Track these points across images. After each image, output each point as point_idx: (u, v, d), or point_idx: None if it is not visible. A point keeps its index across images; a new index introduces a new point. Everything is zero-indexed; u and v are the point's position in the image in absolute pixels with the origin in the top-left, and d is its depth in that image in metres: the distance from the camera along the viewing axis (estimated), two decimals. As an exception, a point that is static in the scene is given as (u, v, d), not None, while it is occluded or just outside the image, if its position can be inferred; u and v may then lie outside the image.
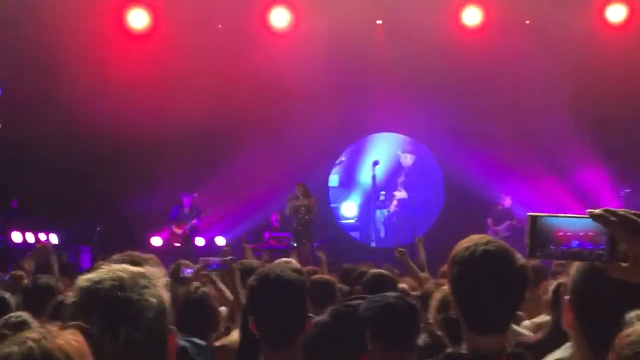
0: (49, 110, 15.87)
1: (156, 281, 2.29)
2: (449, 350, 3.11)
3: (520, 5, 15.71)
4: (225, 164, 16.23)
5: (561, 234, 1.84)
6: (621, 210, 1.76)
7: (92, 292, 2.21)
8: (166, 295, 2.29)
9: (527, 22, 16.18)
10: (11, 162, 16.10)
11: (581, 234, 1.83)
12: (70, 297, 2.29)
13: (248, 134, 16.56)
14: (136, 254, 3.46)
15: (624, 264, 1.77)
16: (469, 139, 16.73)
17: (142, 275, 2.27)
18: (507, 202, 16.60)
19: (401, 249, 7.70)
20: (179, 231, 16.00)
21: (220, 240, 16.55)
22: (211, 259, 6.55)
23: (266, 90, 16.33)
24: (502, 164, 16.56)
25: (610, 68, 15.38)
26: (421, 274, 7.53)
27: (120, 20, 16.43)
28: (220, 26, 16.52)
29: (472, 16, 16.36)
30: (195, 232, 16.25)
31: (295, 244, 15.49)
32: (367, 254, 15.24)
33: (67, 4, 15.18)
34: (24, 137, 15.77)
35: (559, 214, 1.87)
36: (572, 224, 1.85)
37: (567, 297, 2.13)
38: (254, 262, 7.26)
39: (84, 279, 2.26)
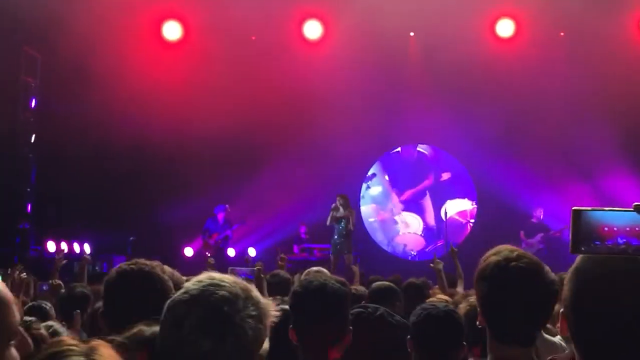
0: (85, 120, 16.05)
1: (265, 316, 2.20)
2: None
3: (555, 17, 15.61)
4: (257, 175, 16.30)
5: (606, 229, 1.79)
6: None
7: (204, 292, 2.16)
8: (266, 334, 2.21)
9: (562, 34, 16.08)
10: (49, 171, 16.27)
11: (627, 229, 1.77)
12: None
13: (280, 146, 16.60)
14: (142, 260, 3.47)
15: None
16: (502, 151, 16.65)
17: (256, 303, 2.19)
18: (540, 214, 16.50)
19: (437, 260, 7.69)
20: (211, 241, 16.05)
21: (251, 252, 16.60)
22: (239, 268, 6.62)
23: (298, 102, 16.36)
24: (535, 176, 16.47)
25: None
26: (457, 289, 7.51)
27: (156, 32, 16.56)
28: (253, 38, 16.58)
29: (505, 28, 16.31)
30: (227, 242, 16.29)
31: (331, 256, 15.41)
32: (401, 266, 15.25)
33: (104, 15, 15.30)
34: (61, 147, 15.93)
35: (604, 208, 1.82)
36: (618, 218, 1.80)
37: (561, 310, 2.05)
38: (282, 272, 7.30)
39: (208, 276, 2.22)
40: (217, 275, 2.22)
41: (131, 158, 16.38)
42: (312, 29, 16.61)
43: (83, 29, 15.02)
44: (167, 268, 3.57)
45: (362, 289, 6.23)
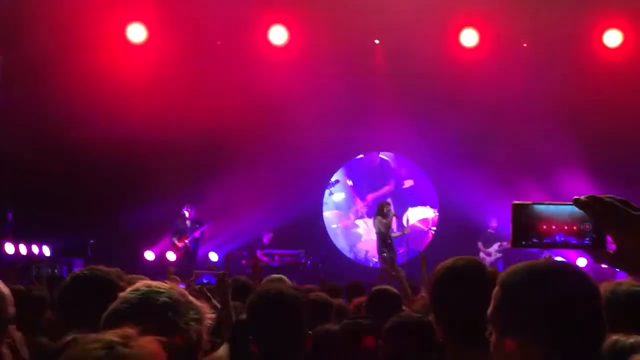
0: (44, 122, 15.85)
1: (204, 318, 2.24)
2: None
3: (518, 27, 15.76)
4: (220, 180, 16.23)
5: (545, 226, 1.81)
6: (607, 197, 1.73)
7: (143, 300, 2.16)
8: (206, 335, 2.24)
9: (525, 44, 16.25)
10: (6, 174, 16.06)
11: (565, 227, 1.79)
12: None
13: (244, 150, 16.59)
14: (99, 267, 3.45)
15: (609, 252, 1.75)
16: (465, 159, 16.75)
17: (194, 308, 2.21)
18: (494, 224, 16.66)
19: (398, 268, 7.74)
20: (180, 244, 15.91)
21: (213, 256, 16.56)
22: (203, 272, 6.59)
23: (263, 108, 16.34)
24: (496, 184, 16.58)
25: (605, 90, 15.46)
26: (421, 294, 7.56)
27: (120, 34, 16.42)
28: (219, 42, 16.53)
29: (469, 37, 16.42)
30: (197, 244, 16.18)
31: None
32: (362, 272, 15.31)
33: (68, 16, 15.17)
34: (19, 149, 15.73)
35: (544, 202, 1.83)
36: (557, 212, 1.81)
37: None
38: (243, 278, 7.30)
39: (144, 284, 2.23)
40: (152, 282, 2.24)
41: (92, 160, 16.23)
42: (278, 35, 16.57)
43: (46, 30, 14.90)
44: (125, 275, 3.55)
45: (323, 295, 6.22)
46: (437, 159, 17.23)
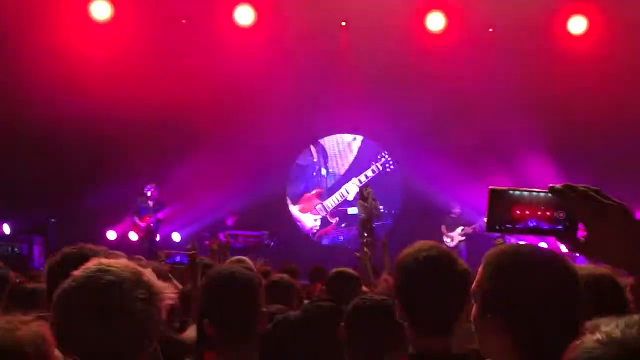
0: (3, 100, 15.64)
1: (156, 299, 2.22)
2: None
3: (484, 13, 15.80)
4: (184, 160, 16.16)
5: (519, 212, 1.83)
6: (581, 186, 1.76)
7: (90, 279, 2.16)
8: (160, 316, 2.23)
9: (491, 30, 16.30)
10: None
11: (539, 212, 1.82)
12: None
13: (209, 131, 16.46)
14: (88, 246, 3.42)
15: (581, 240, 1.78)
16: (430, 144, 16.82)
17: (147, 287, 2.20)
18: (458, 209, 16.80)
19: (365, 251, 7.72)
20: (142, 224, 15.79)
21: (176, 237, 16.50)
22: (174, 251, 6.55)
23: (228, 89, 16.27)
24: (461, 170, 16.67)
25: (570, 76, 15.58)
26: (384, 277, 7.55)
27: (83, 11, 16.20)
28: (184, 21, 16.38)
29: (436, 22, 16.43)
30: (159, 225, 16.08)
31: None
32: (322, 253, 15.36)
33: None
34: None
35: (520, 188, 1.85)
36: (532, 199, 1.83)
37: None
38: (205, 260, 7.27)
39: (94, 263, 2.22)
40: (105, 261, 2.24)
41: (53, 138, 16.07)
42: (244, 15, 16.44)
43: (5, 7, 14.69)
44: (115, 253, 3.52)
45: (286, 277, 6.20)
46: (402, 142, 17.29)
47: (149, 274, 2.27)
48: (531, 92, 15.99)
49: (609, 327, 1.28)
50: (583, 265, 3.34)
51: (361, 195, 15.62)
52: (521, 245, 2.22)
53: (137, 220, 15.81)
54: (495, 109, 16.22)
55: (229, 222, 16.53)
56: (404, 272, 2.82)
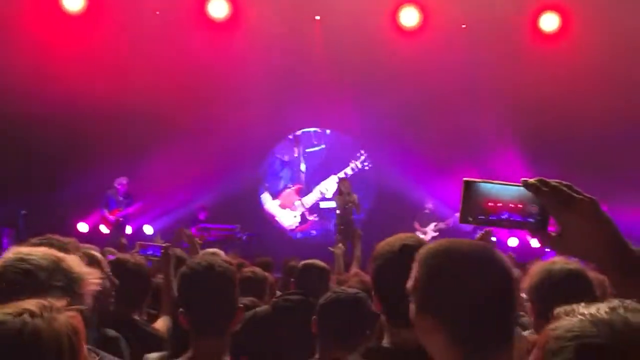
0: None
1: (77, 285, 2.20)
2: (370, 345, 3.15)
3: (457, 9, 15.86)
4: (156, 153, 16.07)
5: (491, 204, 1.85)
6: (553, 181, 1.79)
7: (6, 268, 2.15)
8: (82, 302, 2.20)
9: (464, 25, 16.36)
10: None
11: (511, 205, 1.84)
12: None
13: (180, 124, 16.37)
14: (56, 237, 3.40)
15: (552, 234, 1.81)
16: (403, 140, 16.88)
17: (65, 273, 2.19)
18: (430, 204, 16.87)
19: (339, 245, 7.74)
20: (111, 217, 15.71)
21: (147, 229, 16.44)
22: (148, 243, 6.52)
23: (202, 81, 16.22)
24: (433, 165, 16.75)
25: (541, 73, 15.69)
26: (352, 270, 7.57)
27: (55, 3, 16.04)
28: (157, 13, 16.27)
29: (409, 18, 16.46)
30: (128, 219, 16.01)
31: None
32: (294, 247, 15.35)
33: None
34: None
35: (493, 181, 1.87)
36: (505, 192, 1.85)
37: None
38: (179, 252, 7.25)
39: (15, 251, 2.21)
40: (25, 249, 2.24)
41: (25, 130, 15.92)
42: (218, 8, 16.37)
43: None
44: (84, 245, 3.50)
45: (258, 270, 6.22)
46: (375, 137, 17.33)
47: (70, 261, 2.26)
48: (503, 88, 16.07)
49: (590, 309, 1.29)
50: (555, 260, 3.39)
51: (339, 189, 15.69)
52: (454, 241, 2.21)
53: (106, 214, 15.73)
54: (468, 105, 16.29)
55: (201, 216, 16.51)
56: (379, 261, 2.80)
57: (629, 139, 15.59)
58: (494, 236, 15.55)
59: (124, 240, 9.61)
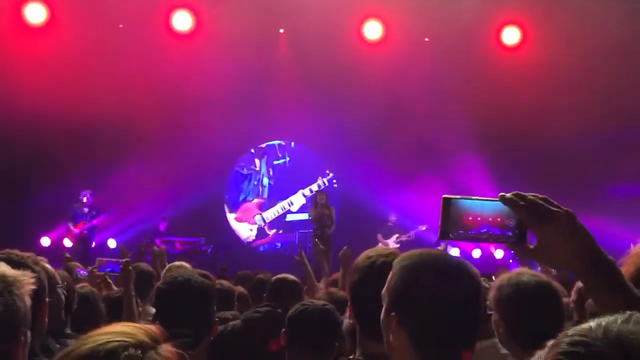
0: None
1: (15, 287, 2.23)
2: (343, 358, 3.17)
3: (420, 22, 15.99)
4: (120, 166, 15.98)
5: (470, 218, 1.89)
6: (530, 195, 1.82)
7: None
8: (23, 302, 2.24)
9: (427, 39, 16.50)
10: None
11: (490, 219, 1.88)
12: None
13: (144, 136, 16.28)
14: (15, 252, 3.39)
15: (530, 247, 1.85)
16: (366, 152, 16.95)
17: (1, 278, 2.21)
18: (393, 217, 16.96)
19: (303, 255, 7.74)
20: (76, 230, 15.58)
21: (111, 243, 16.32)
22: (106, 260, 6.48)
23: (167, 95, 16.12)
24: (397, 177, 16.84)
25: (504, 86, 15.86)
26: (320, 284, 7.58)
27: (17, 15, 15.89)
28: (121, 26, 16.19)
29: (373, 30, 16.57)
30: (93, 232, 15.88)
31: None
32: (259, 260, 15.32)
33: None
34: None
35: (472, 197, 1.91)
36: (483, 207, 1.90)
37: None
38: (144, 265, 7.23)
39: None
40: None
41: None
42: (182, 21, 16.34)
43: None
44: (41, 260, 3.48)
45: (227, 283, 6.21)
46: (340, 149, 17.37)
47: (2, 266, 2.29)
48: (466, 100, 16.21)
49: (605, 319, 1.32)
50: (521, 271, 3.43)
51: (314, 201, 15.71)
52: (430, 250, 2.27)
53: (71, 227, 15.60)
54: (432, 116, 16.42)
55: (161, 227, 16.44)
56: (358, 275, 2.81)
57: (591, 148, 15.80)
58: (457, 247, 15.68)
59: (67, 255, 9.50)
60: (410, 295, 2.12)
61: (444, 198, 1.92)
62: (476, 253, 16.28)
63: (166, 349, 1.73)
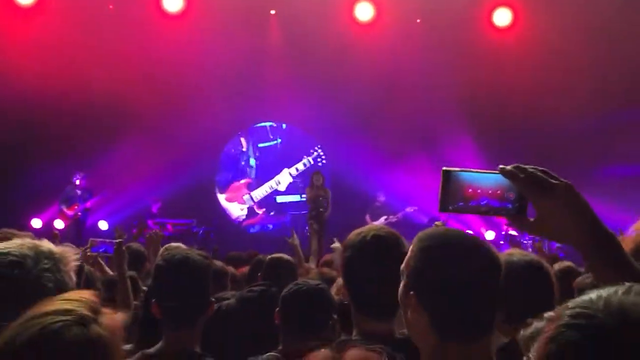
0: None
1: (62, 264, 2.25)
2: (341, 338, 3.17)
3: (412, 3, 15.97)
4: (112, 147, 15.97)
5: (471, 190, 1.89)
6: (530, 167, 1.83)
7: None
8: (70, 279, 2.26)
9: (418, 20, 16.48)
10: None
11: (490, 191, 1.88)
12: None
13: (136, 117, 16.22)
14: (11, 231, 3.41)
15: (531, 219, 1.85)
16: (356, 132, 16.94)
17: (48, 256, 2.23)
18: (382, 198, 16.98)
19: (295, 236, 7.77)
20: (69, 212, 15.58)
21: (102, 225, 16.32)
22: (99, 240, 6.49)
23: (157, 75, 16.06)
24: (388, 159, 16.85)
25: (495, 67, 15.89)
26: (310, 264, 7.63)
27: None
28: (111, 7, 16.12)
29: (364, 11, 16.54)
30: (87, 214, 15.90)
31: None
32: (251, 242, 15.36)
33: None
34: None
35: (471, 169, 1.91)
36: (483, 179, 1.90)
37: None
38: (135, 245, 7.27)
39: None
40: (1, 245, 2.27)
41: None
42: (173, 1, 16.27)
43: None
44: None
45: (220, 263, 6.24)
46: (329, 130, 17.36)
47: (46, 244, 2.31)
48: (457, 81, 16.20)
49: (604, 291, 1.33)
50: (512, 251, 3.45)
51: (311, 182, 15.73)
52: (451, 229, 2.27)
53: (65, 209, 15.61)
54: (423, 97, 16.43)
55: (154, 208, 16.46)
56: (350, 252, 2.83)
57: (583, 129, 15.84)
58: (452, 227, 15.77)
59: (55, 232, 9.51)
60: (427, 277, 2.11)
61: (444, 170, 1.91)
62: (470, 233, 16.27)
63: (108, 318, 1.77)
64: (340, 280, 3.94)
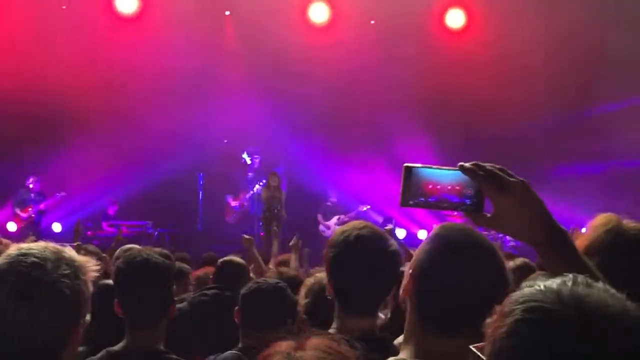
0: None
1: (82, 273, 2.29)
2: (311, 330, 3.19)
3: (366, 4, 16.04)
4: (65, 149, 15.83)
5: (431, 186, 1.94)
6: (488, 165, 1.89)
7: (12, 264, 2.22)
8: (87, 288, 2.31)
9: (372, 21, 16.56)
10: None
11: (449, 187, 1.94)
12: None
13: (90, 120, 16.04)
14: None
15: (488, 215, 1.90)
16: (309, 133, 16.97)
17: (69, 262, 2.27)
18: (333, 198, 17.05)
19: (248, 237, 7.78)
20: (23, 214, 15.44)
21: (56, 227, 16.18)
22: (57, 244, 6.47)
23: (112, 77, 15.96)
24: (342, 159, 16.91)
25: (449, 69, 16.01)
26: (267, 265, 7.65)
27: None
28: (64, 7, 15.97)
29: (319, 13, 16.58)
30: (41, 216, 15.76)
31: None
32: (207, 243, 15.31)
33: None
34: None
35: (432, 166, 1.97)
36: (443, 176, 1.95)
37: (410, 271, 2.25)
38: (91, 247, 7.26)
39: (16, 247, 2.29)
40: (25, 245, 2.32)
41: None
42: (126, 3, 16.15)
43: None
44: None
45: (179, 264, 6.27)
46: (283, 132, 17.33)
47: (69, 251, 2.35)
48: (412, 83, 16.30)
49: (546, 282, 1.37)
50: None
51: (267, 182, 15.71)
52: (466, 227, 2.28)
53: (19, 211, 15.48)
54: (377, 100, 16.53)
55: (110, 211, 16.35)
56: (334, 250, 2.85)
57: (540, 129, 16.08)
58: (404, 229, 15.75)
59: (32, 238, 9.42)
60: (427, 269, 2.17)
61: (406, 166, 1.97)
62: (422, 234, 16.38)
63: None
64: (308, 281, 3.97)
